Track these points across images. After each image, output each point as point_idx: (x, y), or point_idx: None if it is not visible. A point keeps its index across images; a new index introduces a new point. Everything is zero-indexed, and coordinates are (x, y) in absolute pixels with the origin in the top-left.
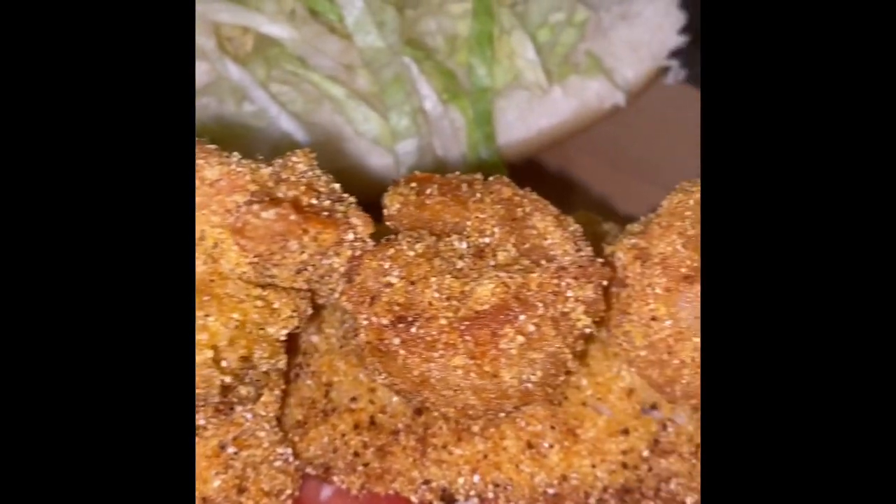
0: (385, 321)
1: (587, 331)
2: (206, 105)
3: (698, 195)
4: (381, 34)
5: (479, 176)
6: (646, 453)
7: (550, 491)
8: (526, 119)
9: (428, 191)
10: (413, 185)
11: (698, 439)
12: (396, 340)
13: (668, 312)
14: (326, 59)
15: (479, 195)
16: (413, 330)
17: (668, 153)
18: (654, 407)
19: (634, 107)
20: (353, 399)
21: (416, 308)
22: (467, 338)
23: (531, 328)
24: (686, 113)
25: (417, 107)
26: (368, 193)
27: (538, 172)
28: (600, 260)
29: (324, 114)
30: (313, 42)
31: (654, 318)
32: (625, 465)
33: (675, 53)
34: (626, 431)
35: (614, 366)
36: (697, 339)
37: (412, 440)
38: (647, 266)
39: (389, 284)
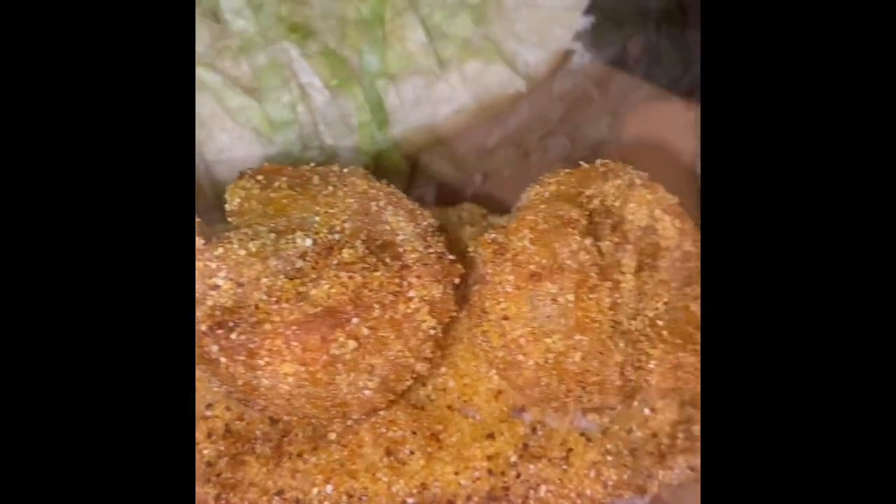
0: (203, 327)
1: (432, 332)
2: None
3: (554, 187)
4: (257, 18)
5: (335, 168)
6: (514, 458)
7: (410, 501)
8: (423, 106)
9: (276, 184)
10: (259, 177)
11: (570, 443)
12: (215, 348)
13: (518, 311)
14: (201, 45)
15: (331, 188)
16: (233, 336)
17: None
18: (523, 409)
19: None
20: (209, 406)
21: (241, 312)
22: (294, 344)
23: (366, 332)
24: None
25: (297, 94)
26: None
27: None
28: (450, 257)
29: (205, 103)
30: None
31: (505, 318)
32: (490, 472)
33: (580, 36)
34: (492, 436)
35: (483, 366)
36: (551, 340)
37: (267, 449)
38: (499, 263)
39: (216, 287)
